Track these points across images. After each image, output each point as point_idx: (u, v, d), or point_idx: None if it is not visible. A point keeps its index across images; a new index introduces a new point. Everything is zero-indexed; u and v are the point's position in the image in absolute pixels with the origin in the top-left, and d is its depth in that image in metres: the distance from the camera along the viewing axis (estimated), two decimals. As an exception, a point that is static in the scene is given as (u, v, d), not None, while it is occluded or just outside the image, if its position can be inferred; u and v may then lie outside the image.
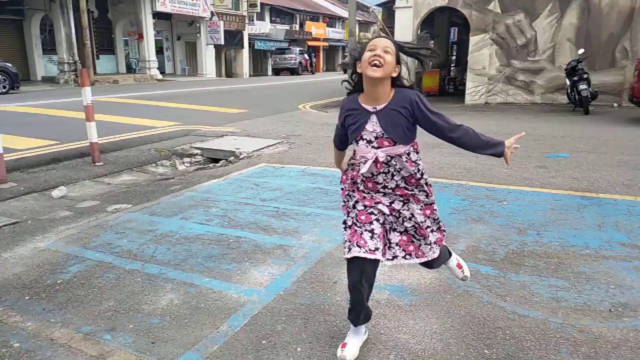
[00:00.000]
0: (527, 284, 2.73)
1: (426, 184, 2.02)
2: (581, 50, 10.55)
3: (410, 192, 2.00)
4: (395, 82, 1.93)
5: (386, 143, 1.91)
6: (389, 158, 1.93)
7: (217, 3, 28.97)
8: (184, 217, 3.92)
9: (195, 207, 4.17)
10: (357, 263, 1.96)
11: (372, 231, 1.97)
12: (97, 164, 5.90)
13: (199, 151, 6.91)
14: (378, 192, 2.02)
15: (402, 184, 1.98)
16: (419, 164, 1.99)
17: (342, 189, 2.14)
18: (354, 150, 2.04)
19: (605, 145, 6.73)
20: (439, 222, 2.11)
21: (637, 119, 9.35)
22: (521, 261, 3.04)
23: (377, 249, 1.96)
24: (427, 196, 2.02)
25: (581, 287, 2.70)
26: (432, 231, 2.07)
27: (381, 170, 1.96)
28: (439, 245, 2.12)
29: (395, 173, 1.97)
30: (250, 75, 33.10)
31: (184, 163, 6.55)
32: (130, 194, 4.78)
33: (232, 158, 6.43)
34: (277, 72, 34.81)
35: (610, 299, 2.56)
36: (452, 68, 17.57)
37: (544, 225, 3.66)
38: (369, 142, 1.93)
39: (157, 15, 24.98)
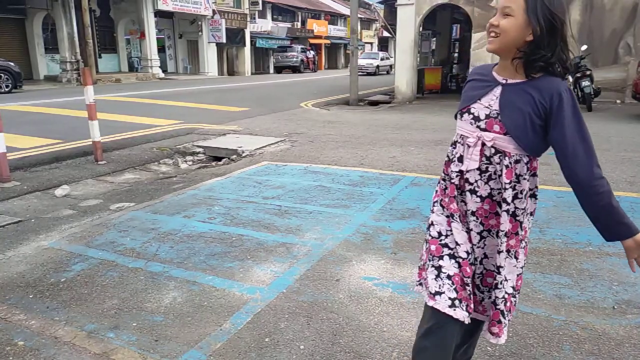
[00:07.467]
0: (530, 281, 2.73)
1: (521, 213, 1.46)
2: (584, 47, 10.50)
3: (494, 217, 1.45)
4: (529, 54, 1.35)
5: (496, 128, 1.39)
6: (493, 150, 1.40)
7: (218, 1, 28.94)
8: (187, 216, 3.93)
9: (198, 206, 4.18)
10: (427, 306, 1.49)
11: (438, 268, 1.45)
12: (99, 162, 5.91)
13: (201, 149, 6.92)
14: (462, 200, 1.48)
15: (492, 199, 1.44)
16: (522, 188, 1.44)
17: (439, 184, 1.59)
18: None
19: (608, 142, 6.70)
20: (515, 289, 1.52)
21: (641, 116, 9.33)
22: (524, 258, 3.03)
23: (438, 293, 1.42)
24: (515, 233, 1.46)
25: (584, 284, 2.70)
26: (502, 284, 1.48)
27: (479, 166, 1.43)
28: (502, 319, 1.49)
29: (494, 177, 1.43)
30: (252, 73, 33.06)
31: (186, 161, 6.56)
32: (133, 192, 4.79)
33: (234, 156, 6.43)
34: (279, 70, 34.77)
35: (613, 296, 2.56)
36: (454, 65, 17.51)
37: (547, 222, 3.65)
38: (476, 118, 1.43)
39: (159, 14, 24.98)
